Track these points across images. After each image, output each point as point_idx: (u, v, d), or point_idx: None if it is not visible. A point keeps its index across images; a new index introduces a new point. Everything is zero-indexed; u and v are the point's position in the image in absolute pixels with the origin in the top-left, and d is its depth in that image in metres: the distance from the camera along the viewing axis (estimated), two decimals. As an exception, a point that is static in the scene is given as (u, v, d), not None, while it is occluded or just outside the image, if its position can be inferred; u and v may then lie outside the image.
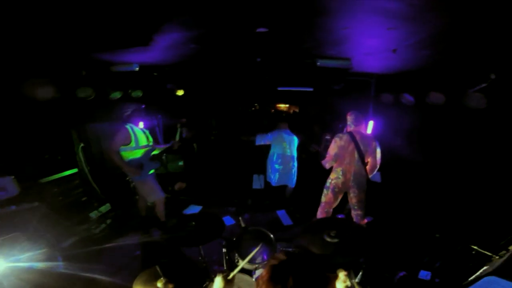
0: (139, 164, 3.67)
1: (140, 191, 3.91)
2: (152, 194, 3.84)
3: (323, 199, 3.77)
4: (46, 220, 3.25)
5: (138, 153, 3.70)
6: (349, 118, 3.69)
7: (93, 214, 4.10)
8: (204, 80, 5.31)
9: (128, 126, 3.64)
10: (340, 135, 3.61)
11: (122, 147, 3.55)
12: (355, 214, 3.63)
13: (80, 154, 4.31)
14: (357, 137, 3.50)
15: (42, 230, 3.08)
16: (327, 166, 3.67)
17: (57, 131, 4.02)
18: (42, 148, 3.82)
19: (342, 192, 3.68)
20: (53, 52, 2.74)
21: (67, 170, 4.05)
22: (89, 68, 3.73)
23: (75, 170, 4.16)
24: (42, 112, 3.64)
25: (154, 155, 4.03)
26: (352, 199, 3.59)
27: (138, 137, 3.68)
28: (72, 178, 4.13)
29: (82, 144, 4.34)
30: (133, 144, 3.62)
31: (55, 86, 3.46)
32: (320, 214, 3.80)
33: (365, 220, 3.74)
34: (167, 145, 4.24)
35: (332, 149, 3.59)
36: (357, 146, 3.47)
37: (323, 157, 3.73)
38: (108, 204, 4.43)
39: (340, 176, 3.58)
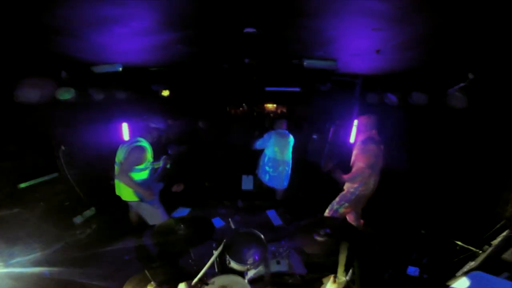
0: (148, 186, 3.27)
1: (144, 213, 3.39)
2: (157, 218, 3.32)
3: (340, 210, 3.47)
4: (29, 226, 3.13)
5: (145, 174, 3.28)
6: (368, 122, 3.48)
7: (77, 219, 3.98)
8: (191, 81, 5.25)
9: (145, 144, 3.22)
10: (371, 142, 3.33)
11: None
12: (355, 217, 3.64)
13: (61, 158, 4.16)
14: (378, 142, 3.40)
15: (26, 236, 2.96)
16: (351, 180, 3.35)
17: (36, 134, 3.86)
18: (21, 152, 3.66)
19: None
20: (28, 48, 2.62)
21: (48, 174, 3.90)
22: (70, 69, 3.60)
23: (56, 175, 4.02)
24: (20, 115, 3.49)
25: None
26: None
27: (149, 156, 3.27)
28: (54, 183, 3.98)
29: (63, 148, 4.19)
30: (146, 163, 3.23)
31: (35, 88, 3.32)
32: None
33: (362, 221, 3.79)
34: (161, 164, 3.49)
35: (368, 159, 3.26)
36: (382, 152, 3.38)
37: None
38: (93, 208, 4.31)
39: (372, 186, 3.37)
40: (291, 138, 4.85)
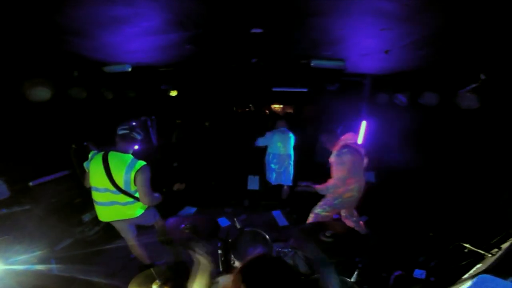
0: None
1: (143, 220, 3.05)
2: (154, 216, 3.13)
3: (321, 213, 3.41)
4: (39, 222, 3.19)
5: None
6: (342, 130, 3.56)
7: (86, 217, 4.04)
8: (198, 80, 5.29)
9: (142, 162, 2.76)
10: (347, 152, 3.22)
11: None
12: (353, 220, 3.61)
13: (72, 156, 4.24)
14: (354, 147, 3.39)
15: (35, 232, 3.02)
16: (324, 192, 3.29)
17: (48, 132, 3.95)
18: (33, 150, 3.75)
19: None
20: (44, 49, 2.69)
21: (59, 171, 3.98)
22: (82, 68, 3.68)
23: (67, 172, 4.10)
24: (33, 113, 3.57)
25: None
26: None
27: None
28: (65, 180, 4.06)
29: (73, 146, 4.27)
30: None
31: (47, 87, 3.40)
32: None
33: (361, 222, 3.75)
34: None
35: (341, 172, 3.18)
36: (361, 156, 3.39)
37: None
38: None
39: (356, 193, 3.34)
40: (292, 135, 5.12)
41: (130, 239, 3.04)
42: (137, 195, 2.74)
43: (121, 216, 2.84)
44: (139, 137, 2.81)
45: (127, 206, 2.79)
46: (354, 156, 3.23)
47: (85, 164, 2.78)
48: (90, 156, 2.76)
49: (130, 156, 2.72)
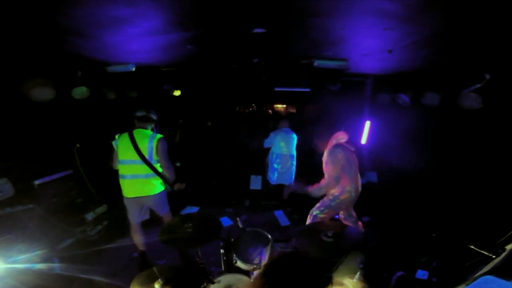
0: None
1: (160, 204, 3.35)
2: (167, 204, 3.44)
3: (319, 215, 3.36)
4: (41, 222, 3.20)
5: None
6: (332, 131, 3.49)
7: (89, 216, 4.06)
8: (201, 80, 5.30)
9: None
10: (339, 150, 3.22)
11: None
12: (351, 221, 3.58)
13: (76, 155, 4.27)
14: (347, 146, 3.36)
15: (37, 231, 3.04)
16: (325, 190, 3.28)
17: (51, 132, 3.98)
18: (36, 150, 3.77)
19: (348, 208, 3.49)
20: (47, 49, 2.70)
21: (61, 171, 4.01)
22: (85, 68, 3.69)
23: (69, 172, 4.12)
24: (35, 113, 3.60)
25: None
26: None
27: None
28: (67, 180, 4.09)
29: (78, 145, 4.30)
30: None
31: (50, 87, 3.42)
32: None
33: (360, 223, 3.74)
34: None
35: (335, 169, 3.17)
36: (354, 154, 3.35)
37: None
38: (105, 205, 4.39)
39: (353, 194, 3.26)
40: (295, 135, 5.17)
41: (137, 223, 3.34)
42: (157, 167, 3.12)
43: (142, 192, 3.15)
44: (155, 118, 3.30)
45: (149, 179, 3.13)
46: (346, 154, 3.21)
47: (113, 142, 3.14)
48: (116, 137, 3.14)
49: (150, 131, 3.22)
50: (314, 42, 2.52)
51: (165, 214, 3.41)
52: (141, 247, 3.39)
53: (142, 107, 3.24)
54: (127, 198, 3.19)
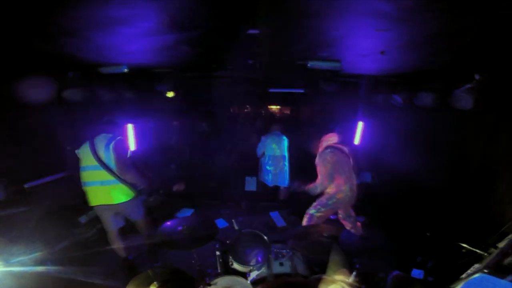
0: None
1: (133, 210, 3.20)
2: (142, 210, 3.29)
3: (315, 214, 3.42)
4: (34, 224, 3.15)
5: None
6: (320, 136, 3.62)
7: (83, 219, 4.01)
8: (195, 82, 5.29)
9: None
10: (330, 151, 3.34)
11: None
12: (350, 221, 3.60)
13: (68, 158, 4.20)
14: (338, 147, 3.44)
15: (31, 234, 2.99)
16: (321, 189, 3.33)
17: (43, 134, 3.91)
18: (28, 152, 3.70)
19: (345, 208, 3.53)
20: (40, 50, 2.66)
21: (54, 174, 3.95)
22: (77, 69, 3.64)
23: (62, 174, 4.06)
24: (27, 115, 3.53)
25: None
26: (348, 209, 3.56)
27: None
28: (60, 182, 4.02)
29: (69, 148, 4.23)
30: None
31: (42, 88, 3.36)
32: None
33: (359, 223, 3.76)
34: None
35: (325, 169, 3.26)
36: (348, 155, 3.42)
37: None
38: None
39: (348, 193, 3.34)
40: (285, 138, 5.24)
41: (112, 231, 3.18)
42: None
43: (106, 199, 2.96)
44: (118, 121, 3.24)
45: (112, 186, 2.93)
46: (337, 155, 3.32)
47: (76, 151, 3.04)
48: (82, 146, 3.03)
49: (110, 135, 3.03)
50: (308, 43, 2.53)
51: (139, 221, 3.27)
52: (124, 253, 3.28)
53: (115, 112, 3.23)
54: (92, 206, 3.04)
